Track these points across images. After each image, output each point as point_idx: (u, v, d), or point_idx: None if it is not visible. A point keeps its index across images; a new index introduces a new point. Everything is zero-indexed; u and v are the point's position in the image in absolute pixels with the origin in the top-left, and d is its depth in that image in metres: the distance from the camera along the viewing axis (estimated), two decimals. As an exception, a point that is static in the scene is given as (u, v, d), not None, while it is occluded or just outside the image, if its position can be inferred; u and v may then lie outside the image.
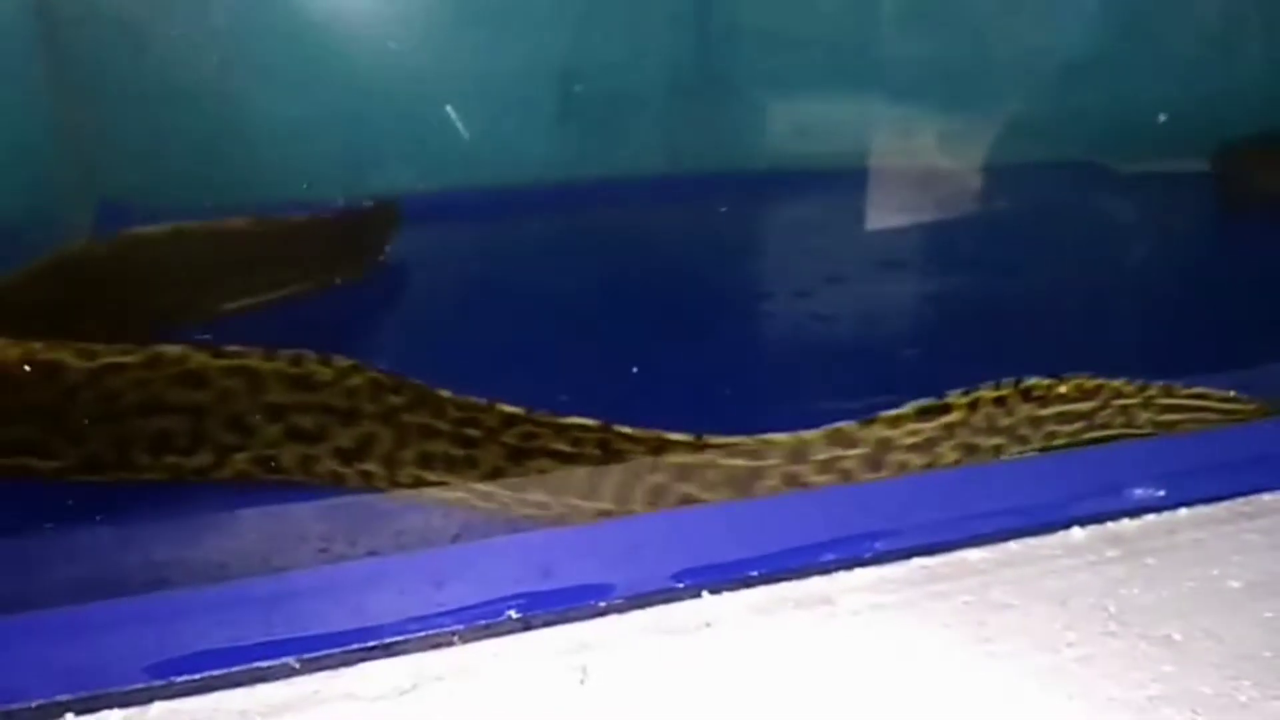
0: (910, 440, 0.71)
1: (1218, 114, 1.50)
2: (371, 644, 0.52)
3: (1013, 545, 0.59)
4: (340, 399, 0.72)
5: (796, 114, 1.57)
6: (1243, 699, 0.48)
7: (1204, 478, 0.64)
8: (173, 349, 0.72)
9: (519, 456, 0.70)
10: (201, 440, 0.72)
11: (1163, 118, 1.45)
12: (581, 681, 0.50)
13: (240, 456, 0.72)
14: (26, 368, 0.71)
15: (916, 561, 0.58)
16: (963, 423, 0.73)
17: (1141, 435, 0.77)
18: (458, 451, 0.71)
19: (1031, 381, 0.75)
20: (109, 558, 0.60)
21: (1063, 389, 0.76)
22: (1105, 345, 0.94)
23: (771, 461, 0.69)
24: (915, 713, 0.48)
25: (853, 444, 0.70)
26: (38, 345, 0.72)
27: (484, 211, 1.40)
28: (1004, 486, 0.62)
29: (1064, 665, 0.50)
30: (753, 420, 0.71)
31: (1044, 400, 0.75)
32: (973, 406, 0.73)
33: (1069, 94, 1.58)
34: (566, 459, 0.70)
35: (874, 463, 0.70)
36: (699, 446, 0.70)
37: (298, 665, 0.51)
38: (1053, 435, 0.77)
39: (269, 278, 1.11)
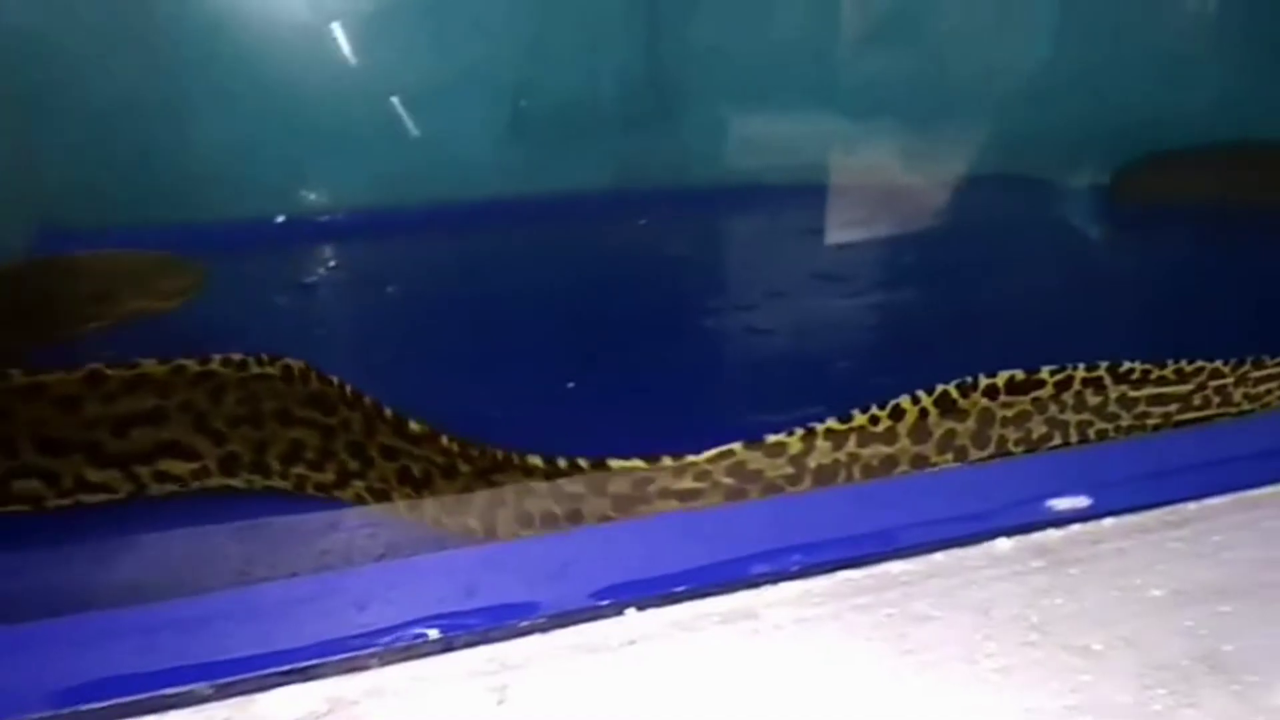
0: (1005, 413, 0.74)
1: (1123, 133, 1.57)
2: (287, 668, 0.51)
3: (938, 556, 0.59)
4: (438, 454, 0.73)
5: (744, 130, 1.58)
6: (1157, 707, 0.49)
7: (1130, 487, 0.64)
8: (298, 363, 0.76)
9: (634, 504, 0.70)
10: (329, 458, 0.75)
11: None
12: (500, 702, 0.49)
13: (359, 484, 0.75)
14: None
15: (842, 574, 0.58)
16: (1053, 398, 0.75)
17: (1234, 415, 0.80)
18: (558, 509, 0.71)
19: (1126, 365, 0.78)
20: (15, 582, 0.58)
21: (1162, 372, 0.78)
22: (1041, 341, 0.95)
23: (901, 445, 0.71)
24: (836, 727, 0.48)
25: (961, 418, 0.73)
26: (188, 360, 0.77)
27: (431, 226, 1.40)
28: (930, 498, 0.62)
29: (983, 676, 0.50)
30: (692, 434, 0.71)
31: (1139, 383, 0.78)
32: (1063, 384, 0.75)
33: (1001, 114, 1.62)
34: (692, 495, 0.69)
35: (981, 439, 0.73)
36: (841, 437, 0.70)
37: (210, 691, 0.50)
38: (1145, 416, 0.79)
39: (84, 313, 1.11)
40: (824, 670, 0.52)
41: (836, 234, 1.37)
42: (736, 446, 0.70)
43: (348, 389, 0.75)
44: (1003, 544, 0.60)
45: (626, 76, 1.63)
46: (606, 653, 0.53)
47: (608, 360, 0.94)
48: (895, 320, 1.09)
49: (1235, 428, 0.75)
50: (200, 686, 0.50)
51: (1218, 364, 0.80)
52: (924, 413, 0.73)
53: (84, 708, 0.48)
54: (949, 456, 0.73)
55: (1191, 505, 0.64)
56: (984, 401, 0.74)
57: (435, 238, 1.37)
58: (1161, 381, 0.79)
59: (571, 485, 0.69)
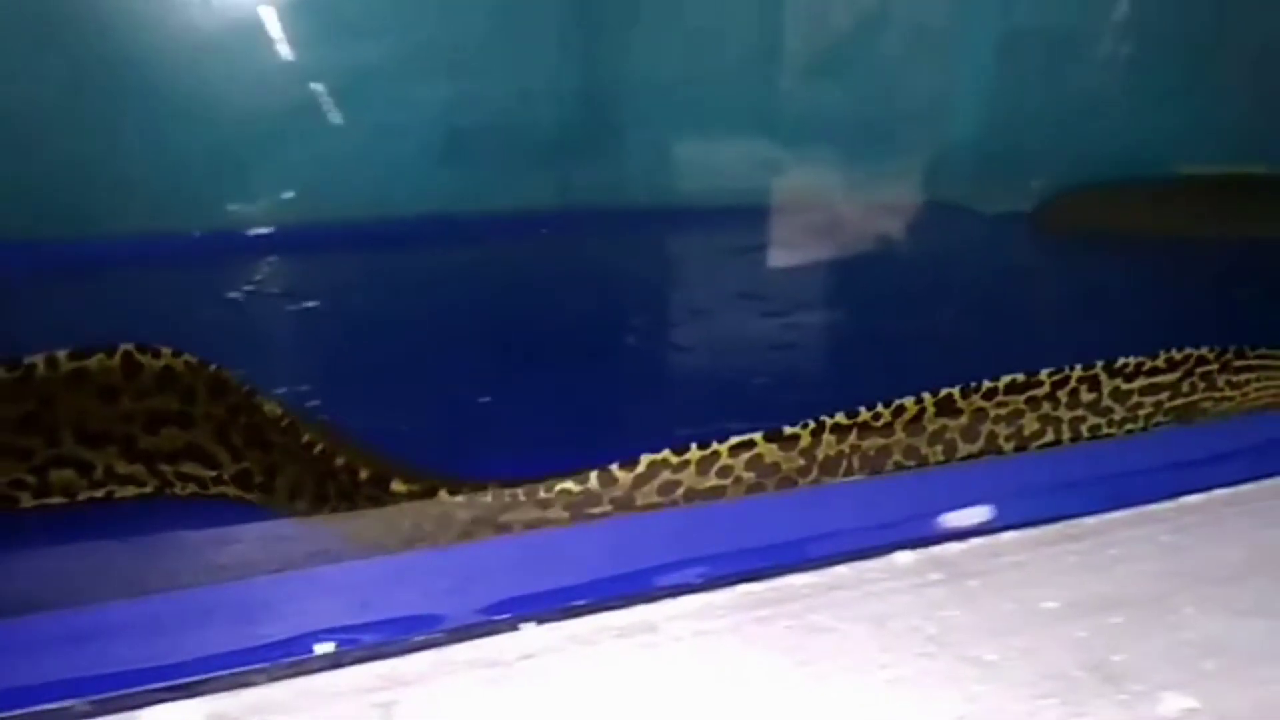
0: (998, 411, 0.76)
1: (1048, 165, 1.63)
2: (170, 684, 0.50)
3: (840, 569, 0.60)
4: (433, 507, 0.71)
5: (678, 153, 1.59)
6: (1048, 716, 0.49)
7: (1031, 502, 0.65)
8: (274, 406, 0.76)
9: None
10: (325, 499, 0.74)
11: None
12: (385, 718, 0.48)
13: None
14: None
15: (743, 587, 0.58)
16: (1047, 397, 0.77)
17: (1215, 400, 0.84)
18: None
19: (1121, 361, 0.80)
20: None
21: (1154, 363, 0.81)
22: (961, 361, 0.96)
23: (896, 438, 0.73)
24: (729, 739, 0.48)
25: (955, 414, 0.75)
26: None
27: (359, 242, 1.38)
28: (833, 511, 0.63)
29: (877, 687, 0.51)
30: (603, 448, 0.71)
31: (1131, 376, 0.80)
32: (1059, 384, 0.78)
33: (930, 144, 1.65)
34: (717, 493, 0.69)
35: (971, 433, 0.75)
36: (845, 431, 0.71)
37: (87, 707, 0.48)
38: (1138, 407, 0.81)
39: None
40: (720, 683, 0.51)
41: (764, 256, 1.38)
42: (757, 437, 0.70)
43: (319, 446, 0.74)
44: (903, 557, 0.61)
45: (561, 98, 1.63)
46: (501, 667, 0.52)
47: (525, 376, 0.93)
48: (817, 340, 1.10)
49: (1135, 444, 0.76)
50: (77, 703, 0.48)
51: (1203, 350, 0.84)
52: (923, 411, 0.74)
53: (-51, 725, 0.46)
54: (939, 449, 0.75)
55: (1090, 520, 0.65)
56: (980, 402, 0.77)
57: (362, 254, 1.36)
58: (1153, 372, 0.81)
59: (595, 506, 0.68)
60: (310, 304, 1.19)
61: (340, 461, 0.72)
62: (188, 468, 0.78)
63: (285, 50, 1.40)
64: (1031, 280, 1.48)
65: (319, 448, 0.73)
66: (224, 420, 0.78)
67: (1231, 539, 0.64)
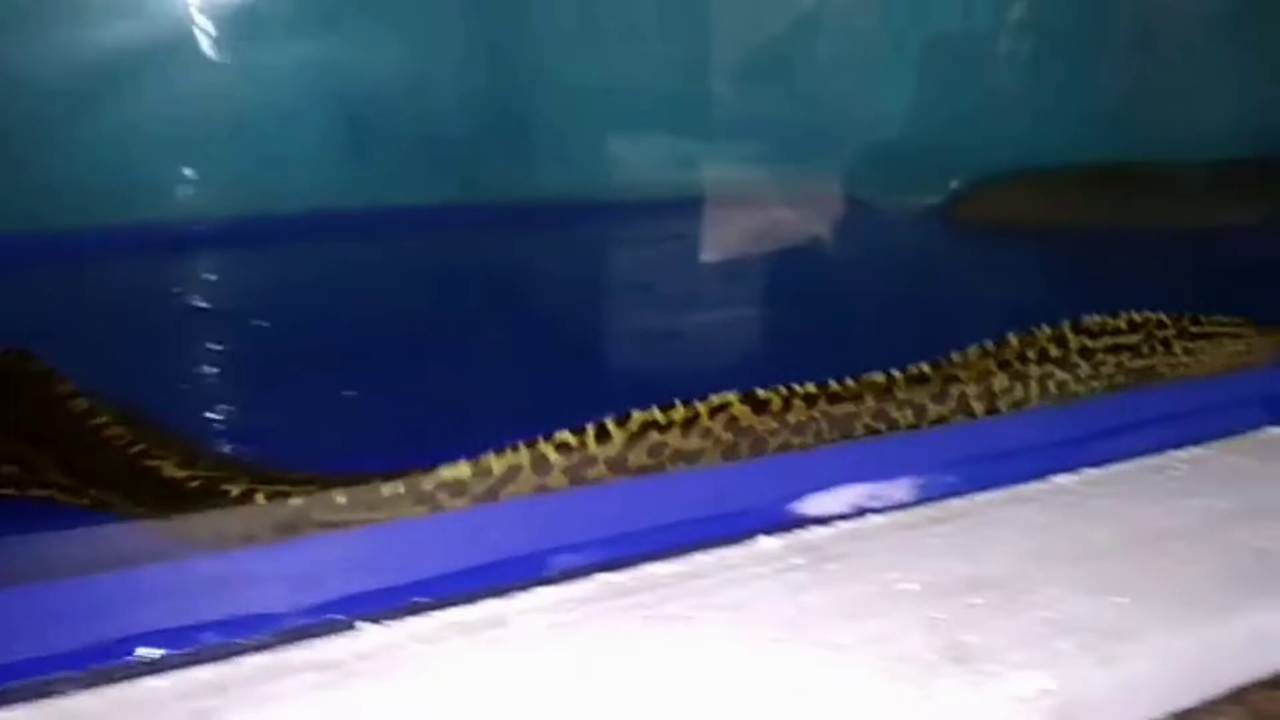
0: (966, 374, 0.77)
1: (958, 158, 1.64)
2: (-31, 695, 0.46)
3: (701, 556, 0.58)
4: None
5: (592, 148, 1.57)
6: (895, 699, 0.48)
7: (898, 483, 0.64)
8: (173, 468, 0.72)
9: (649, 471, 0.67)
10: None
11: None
12: (201, 727, 0.45)
13: None
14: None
15: (601, 577, 0.56)
16: (1016, 356, 0.79)
17: (1171, 365, 0.87)
18: None
19: (1087, 320, 0.83)
20: None
21: (1116, 323, 0.84)
22: (865, 351, 0.96)
23: (868, 404, 0.73)
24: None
25: (924, 381, 0.76)
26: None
27: (255, 239, 1.34)
28: (695, 496, 0.61)
29: (728, 673, 0.49)
30: (472, 440, 0.68)
31: (1096, 334, 0.83)
32: (1028, 344, 0.80)
33: (842, 139, 1.66)
34: (697, 455, 0.68)
35: (942, 396, 0.76)
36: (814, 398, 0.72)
37: None
38: (1100, 364, 0.83)
39: None
40: (569, 677, 0.49)
41: (673, 249, 1.37)
42: (732, 398, 0.69)
43: (260, 497, 0.69)
44: (765, 542, 0.59)
45: (468, 89, 1.61)
46: (335, 670, 0.49)
47: (401, 370, 0.91)
48: (721, 330, 1.09)
49: (1005, 424, 0.76)
50: None
51: (1160, 315, 0.86)
52: (893, 383, 0.75)
53: None
54: (908, 413, 0.74)
55: (958, 501, 0.65)
56: (951, 370, 0.78)
57: (254, 251, 1.32)
58: (1116, 332, 0.83)
59: (588, 469, 0.66)
60: (201, 303, 1.15)
61: (297, 501, 0.67)
62: (112, 498, 0.73)
63: (175, 42, 1.36)
64: (940, 269, 1.49)
65: (261, 499, 0.68)
66: (131, 463, 0.73)
67: (1098, 518, 0.64)
